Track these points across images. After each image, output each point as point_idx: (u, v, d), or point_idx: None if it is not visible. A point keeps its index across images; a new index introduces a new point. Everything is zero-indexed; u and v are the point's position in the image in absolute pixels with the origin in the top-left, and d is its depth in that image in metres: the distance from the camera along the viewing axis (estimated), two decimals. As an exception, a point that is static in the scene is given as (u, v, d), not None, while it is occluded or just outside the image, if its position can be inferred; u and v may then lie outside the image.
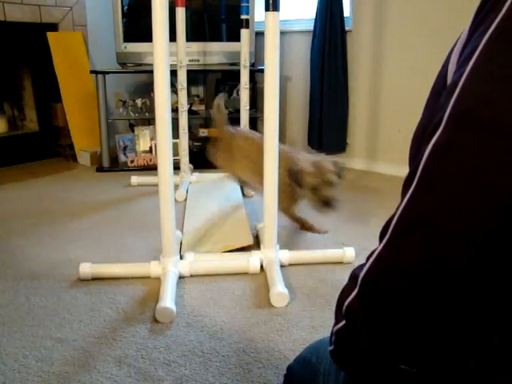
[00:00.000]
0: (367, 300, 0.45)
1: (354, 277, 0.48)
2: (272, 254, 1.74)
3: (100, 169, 3.21)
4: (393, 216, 0.44)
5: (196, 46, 3.23)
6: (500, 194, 0.37)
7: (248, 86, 2.81)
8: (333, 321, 0.53)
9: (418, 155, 0.43)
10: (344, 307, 0.48)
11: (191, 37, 3.09)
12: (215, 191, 2.63)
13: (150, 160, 3.26)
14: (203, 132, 3.46)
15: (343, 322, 0.48)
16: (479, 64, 0.39)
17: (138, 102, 3.33)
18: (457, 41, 0.49)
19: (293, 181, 1.91)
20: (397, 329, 0.44)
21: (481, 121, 0.37)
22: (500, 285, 0.40)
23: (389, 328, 0.44)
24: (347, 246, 1.87)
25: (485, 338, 0.44)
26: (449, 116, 0.40)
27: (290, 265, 1.79)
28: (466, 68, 0.39)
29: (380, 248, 0.45)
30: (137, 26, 3.22)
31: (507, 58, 0.37)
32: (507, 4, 0.38)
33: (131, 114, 3.33)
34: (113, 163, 3.27)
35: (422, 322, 0.43)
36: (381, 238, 0.45)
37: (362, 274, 0.46)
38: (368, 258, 0.46)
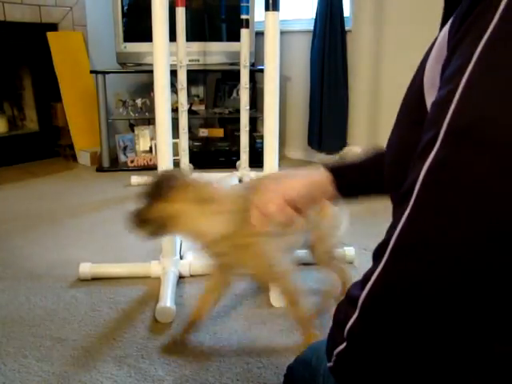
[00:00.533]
0: (370, 323, 0.44)
1: (351, 299, 0.47)
2: (272, 254, 1.73)
3: (100, 169, 3.20)
4: (389, 236, 0.42)
5: (196, 46, 3.23)
6: (504, 214, 0.36)
7: (248, 86, 2.81)
8: (331, 324, 0.52)
9: (410, 174, 0.41)
10: (345, 331, 0.47)
11: (191, 37, 3.09)
12: (215, 191, 2.62)
13: (150, 160, 3.26)
14: (203, 132, 3.47)
15: (344, 345, 0.47)
16: (476, 76, 0.37)
17: (138, 101, 3.33)
18: (429, 50, 0.47)
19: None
20: (401, 350, 0.43)
21: (483, 138, 0.36)
22: (503, 299, 0.39)
23: (394, 349, 0.43)
24: (347, 245, 1.87)
25: (488, 350, 0.43)
26: (445, 133, 0.38)
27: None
28: (461, 81, 0.37)
29: (379, 270, 0.43)
30: (137, 25, 3.22)
31: (504, 72, 0.35)
32: (500, 9, 0.36)
33: (131, 113, 3.33)
34: (113, 163, 3.27)
35: (426, 342, 0.42)
36: (376, 259, 0.44)
37: (362, 297, 0.45)
38: (365, 279, 0.45)
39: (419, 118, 0.43)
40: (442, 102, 0.39)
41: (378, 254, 0.44)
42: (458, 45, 0.39)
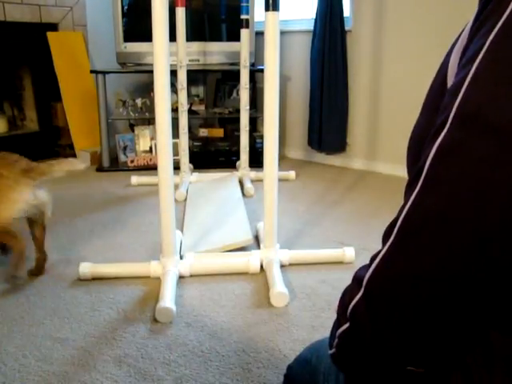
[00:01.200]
0: (373, 302, 0.45)
1: (357, 279, 0.48)
2: (272, 254, 1.74)
3: (100, 169, 3.21)
4: (397, 217, 0.44)
5: (196, 46, 3.23)
6: (508, 195, 0.37)
7: (248, 86, 2.81)
8: (331, 324, 0.53)
9: (422, 156, 0.42)
10: (349, 310, 0.48)
11: (191, 37, 3.09)
12: (215, 191, 2.63)
13: (150, 160, 3.26)
14: (203, 132, 3.47)
15: (347, 325, 0.48)
16: (484, 64, 0.39)
17: (138, 101, 3.33)
18: (457, 39, 0.49)
19: None
20: (403, 329, 0.44)
21: (487, 122, 0.37)
22: (504, 285, 0.40)
23: (395, 329, 0.44)
24: (347, 245, 1.87)
25: (485, 337, 0.44)
26: (454, 116, 0.40)
27: (290, 265, 1.79)
28: (471, 68, 0.39)
29: (385, 250, 0.44)
30: (137, 25, 3.22)
31: (510, 61, 0.37)
32: (511, 4, 0.38)
33: (131, 113, 3.33)
34: (113, 163, 3.27)
35: (428, 323, 0.43)
36: (384, 240, 0.45)
37: (366, 276, 0.46)
38: (372, 260, 0.46)
39: (441, 104, 0.44)
40: (454, 88, 0.41)
41: (386, 235, 0.45)
42: (475, 34, 0.41)
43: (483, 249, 0.38)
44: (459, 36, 0.48)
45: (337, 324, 0.51)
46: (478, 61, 0.39)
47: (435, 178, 0.40)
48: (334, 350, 0.51)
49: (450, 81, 0.46)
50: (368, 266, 0.46)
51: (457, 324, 0.42)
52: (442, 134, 0.40)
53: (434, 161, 0.40)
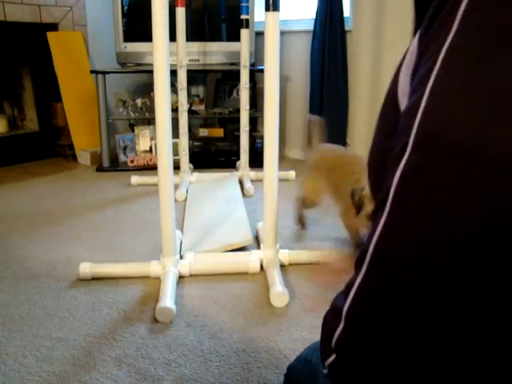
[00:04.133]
0: (355, 335, 0.45)
1: (336, 310, 0.47)
2: (272, 254, 1.74)
3: (100, 169, 3.21)
4: (368, 244, 0.43)
5: (196, 46, 3.23)
6: (473, 218, 0.36)
7: (248, 86, 2.81)
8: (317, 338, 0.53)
9: (385, 182, 0.42)
10: (333, 343, 0.47)
11: (191, 37, 3.09)
12: (215, 191, 2.63)
13: (150, 160, 3.26)
14: (203, 132, 3.47)
15: (334, 357, 0.47)
16: (438, 84, 0.38)
17: (138, 101, 3.33)
18: (403, 58, 0.48)
19: (352, 204, 1.63)
20: (389, 355, 0.43)
21: (445, 143, 0.37)
22: (488, 297, 0.39)
23: (382, 359, 0.44)
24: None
25: (481, 346, 0.43)
26: (414, 140, 0.39)
27: (290, 265, 1.79)
28: (426, 89, 0.38)
29: (359, 279, 0.44)
30: (137, 25, 3.22)
31: (466, 76, 0.36)
32: (458, 18, 0.37)
33: (131, 113, 3.33)
34: (113, 163, 3.27)
35: (413, 346, 0.42)
36: (357, 268, 0.44)
37: (345, 309, 0.45)
38: (347, 288, 0.45)
39: (395, 127, 0.43)
40: (410, 111, 0.40)
41: (358, 263, 0.44)
42: (425, 52, 0.40)
43: (457, 270, 0.38)
44: (405, 55, 0.48)
45: (323, 352, 0.50)
46: (431, 79, 0.38)
47: (402, 202, 0.40)
48: (327, 372, 0.51)
49: (402, 101, 0.46)
50: (345, 295, 0.46)
51: (443, 343, 0.42)
52: (404, 159, 0.39)
53: (399, 186, 0.40)
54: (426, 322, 0.40)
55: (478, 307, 0.40)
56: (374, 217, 0.43)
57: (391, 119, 0.46)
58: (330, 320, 0.48)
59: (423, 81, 0.39)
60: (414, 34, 0.48)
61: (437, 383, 0.46)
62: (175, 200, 1.71)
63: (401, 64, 0.48)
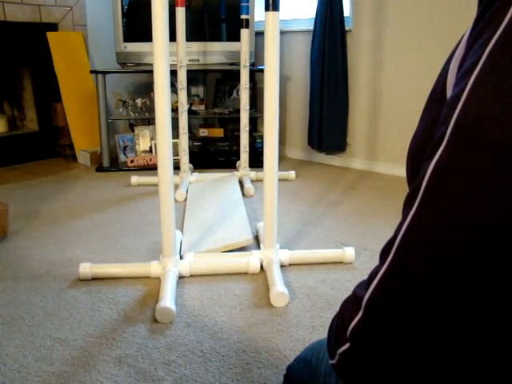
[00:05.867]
0: (373, 325, 0.44)
1: (356, 298, 0.47)
2: (272, 254, 1.74)
3: (100, 169, 3.21)
4: (396, 235, 0.43)
5: (196, 46, 3.23)
6: (504, 217, 0.36)
7: (248, 86, 2.81)
8: (326, 331, 0.52)
9: (420, 170, 0.42)
10: (348, 331, 0.47)
11: (191, 37, 3.09)
12: (215, 191, 2.63)
13: (150, 160, 3.26)
14: (203, 132, 3.47)
15: (347, 345, 0.47)
16: (483, 76, 0.37)
17: (138, 101, 3.33)
18: (456, 46, 0.47)
19: None
20: (406, 352, 0.43)
21: (485, 137, 0.36)
22: (507, 300, 0.39)
23: (398, 351, 0.43)
24: (347, 245, 1.87)
25: (493, 350, 0.43)
26: (451, 132, 0.38)
27: (290, 265, 1.79)
28: (469, 81, 0.38)
29: (384, 268, 0.43)
30: (137, 25, 3.22)
31: (509, 72, 0.36)
32: (509, 14, 0.37)
33: (131, 113, 3.33)
34: (113, 163, 3.27)
35: (432, 343, 0.42)
36: (382, 256, 0.44)
37: (366, 297, 0.45)
38: (370, 277, 0.45)
39: (438, 116, 0.43)
40: (452, 102, 0.40)
41: (384, 253, 0.44)
42: (473, 44, 0.40)
43: (487, 269, 0.38)
44: (458, 43, 0.47)
45: (335, 339, 0.50)
46: (476, 72, 0.38)
47: (433, 195, 0.40)
48: (335, 363, 0.50)
49: (449, 90, 0.45)
50: (367, 284, 0.45)
51: (460, 343, 0.42)
52: (440, 150, 0.39)
53: (431, 178, 0.40)
54: (446, 317, 0.40)
55: (495, 309, 0.40)
56: (406, 206, 0.43)
57: (436, 108, 0.46)
58: (349, 307, 0.48)
59: (467, 73, 0.39)
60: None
61: (450, 380, 0.45)
62: (175, 200, 1.71)
63: (452, 54, 0.47)
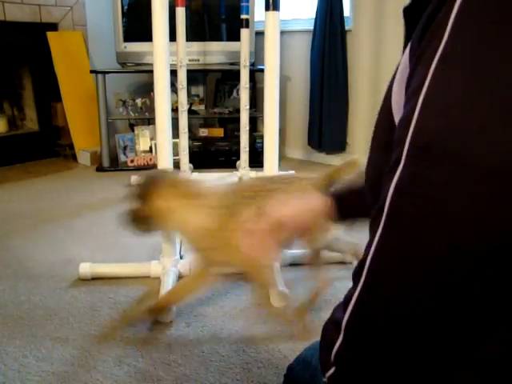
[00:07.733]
0: (354, 348, 0.44)
1: (335, 322, 0.47)
2: (272, 254, 1.73)
3: (100, 168, 3.20)
4: (365, 257, 0.43)
5: (196, 46, 3.23)
6: (469, 228, 0.36)
7: (248, 86, 2.81)
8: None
9: (381, 193, 0.41)
10: (332, 356, 0.47)
11: (191, 37, 3.09)
12: (215, 191, 2.62)
13: (150, 160, 3.26)
14: (203, 132, 3.47)
15: (333, 369, 0.48)
16: (432, 92, 0.38)
17: (138, 101, 3.33)
18: (395, 73, 0.48)
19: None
20: (389, 368, 0.43)
21: (445, 149, 0.36)
22: (485, 305, 0.39)
23: (381, 369, 0.44)
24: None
25: (481, 350, 0.43)
26: (408, 150, 0.39)
27: (290, 265, 1.79)
28: (419, 98, 0.38)
29: (357, 292, 0.43)
30: (137, 25, 3.22)
31: (458, 86, 0.36)
32: (448, 29, 0.37)
33: (131, 113, 3.33)
34: (113, 163, 3.27)
35: (413, 358, 0.42)
36: (355, 279, 0.44)
37: (344, 321, 0.45)
38: (346, 300, 0.45)
39: (391, 140, 0.43)
40: (404, 121, 0.40)
41: (355, 276, 0.44)
42: (417, 63, 0.41)
43: (458, 280, 0.37)
44: (396, 69, 0.48)
45: (322, 364, 0.50)
46: (424, 89, 0.38)
47: (397, 216, 0.40)
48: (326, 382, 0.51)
49: (396, 114, 0.46)
50: (343, 308, 0.45)
51: (443, 353, 0.41)
52: (399, 170, 0.39)
53: (393, 197, 0.40)
54: (423, 335, 0.40)
55: (475, 318, 0.40)
56: (372, 225, 0.43)
57: (386, 132, 0.46)
58: (330, 331, 0.48)
59: (416, 92, 0.39)
60: (405, 47, 0.48)
61: None
62: (175, 200, 1.71)
63: (393, 78, 0.48)
